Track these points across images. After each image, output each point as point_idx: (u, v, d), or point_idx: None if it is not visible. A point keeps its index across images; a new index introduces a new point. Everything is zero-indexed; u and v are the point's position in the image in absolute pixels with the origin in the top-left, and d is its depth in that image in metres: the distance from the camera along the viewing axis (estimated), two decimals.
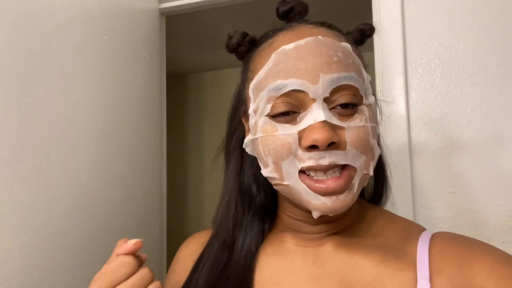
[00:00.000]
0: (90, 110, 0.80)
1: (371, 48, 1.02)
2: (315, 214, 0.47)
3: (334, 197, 0.45)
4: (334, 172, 0.46)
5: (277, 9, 0.56)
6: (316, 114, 0.45)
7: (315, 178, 0.46)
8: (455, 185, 0.94)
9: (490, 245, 0.50)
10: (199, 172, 2.73)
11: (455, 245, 0.49)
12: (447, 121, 0.95)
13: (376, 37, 1.01)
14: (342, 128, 0.46)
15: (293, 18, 0.55)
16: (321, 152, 0.45)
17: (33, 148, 0.65)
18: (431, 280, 0.46)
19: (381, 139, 0.59)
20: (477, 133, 0.93)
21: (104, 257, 0.71)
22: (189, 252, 0.62)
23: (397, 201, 0.97)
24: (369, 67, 0.98)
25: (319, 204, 0.46)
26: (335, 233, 0.54)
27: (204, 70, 2.73)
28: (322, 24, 0.53)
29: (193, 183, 2.74)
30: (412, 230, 0.53)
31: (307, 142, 0.45)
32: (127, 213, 0.94)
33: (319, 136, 0.44)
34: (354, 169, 0.46)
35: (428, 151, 0.96)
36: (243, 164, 0.58)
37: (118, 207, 0.89)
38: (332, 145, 0.45)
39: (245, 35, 0.56)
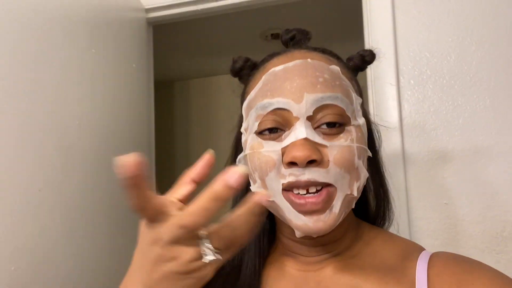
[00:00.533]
0: (79, 123, 0.78)
1: None
2: (298, 234, 0.47)
3: (315, 217, 0.46)
4: (316, 191, 0.46)
5: (281, 37, 0.58)
6: (298, 131, 0.46)
7: (295, 193, 0.46)
8: (449, 196, 0.94)
9: (488, 266, 0.50)
10: None
11: (453, 266, 0.49)
12: (440, 133, 0.96)
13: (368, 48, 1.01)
14: (325, 146, 0.46)
15: (295, 45, 0.56)
16: (300, 169, 0.45)
17: (22, 168, 0.62)
18: None
19: (382, 164, 0.59)
20: (469, 144, 0.93)
21: (96, 281, 0.68)
22: None
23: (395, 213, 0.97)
24: (361, 79, 0.98)
25: (300, 224, 0.46)
26: (334, 256, 0.53)
27: (191, 77, 2.71)
28: (316, 49, 0.54)
29: None
30: (411, 250, 0.53)
31: (287, 158, 0.46)
32: (117, 229, 0.91)
33: (298, 154, 0.45)
34: (335, 188, 0.46)
35: (422, 162, 0.96)
36: (248, 184, 0.58)
37: (108, 224, 0.86)
38: (313, 163, 0.45)
39: (247, 60, 0.58)
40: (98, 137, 0.84)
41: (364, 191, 0.59)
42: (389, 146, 0.97)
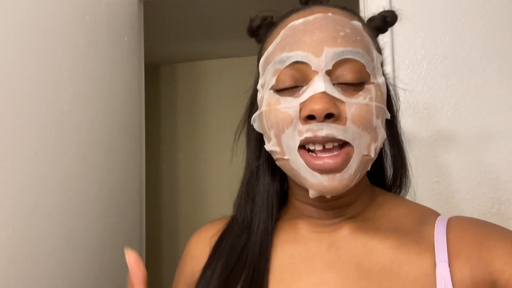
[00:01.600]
0: (73, 90, 0.76)
1: None
2: (311, 193, 0.47)
3: (330, 175, 0.45)
4: (333, 148, 0.45)
5: None
6: (317, 85, 0.45)
7: (313, 154, 0.45)
8: (440, 174, 0.96)
9: (507, 229, 0.50)
10: (173, 162, 2.67)
11: (473, 229, 0.49)
12: (433, 112, 0.97)
13: None
14: (343, 102, 0.45)
15: (315, 2, 0.54)
16: (319, 124, 0.44)
17: (17, 132, 0.60)
18: (449, 264, 0.46)
19: (401, 130, 0.58)
20: (461, 123, 0.95)
21: (86, 249, 0.67)
22: (201, 246, 0.60)
23: None
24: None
25: (315, 182, 0.45)
26: (348, 219, 0.53)
27: (178, 61, 2.67)
28: (336, 5, 0.52)
29: (167, 174, 2.68)
30: (428, 214, 0.53)
31: (305, 112, 0.45)
32: (107, 205, 0.90)
33: (316, 106, 0.44)
34: (352, 147, 0.46)
35: (414, 141, 0.98)
36: (262, 146, 0.56)
37: (102, 189, 0.85)
38: (331, 118, 0.44)
39: (265, 18, 0.56)
40: (91, 106, 0.82)
41: (381, 156, 0.58)
42: None
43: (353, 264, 0.49)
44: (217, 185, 2.48)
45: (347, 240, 0.51)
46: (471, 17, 0.96)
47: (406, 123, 0.98)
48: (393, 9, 0.99)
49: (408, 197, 0.96)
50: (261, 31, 0.56)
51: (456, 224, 0.50)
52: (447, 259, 0.46)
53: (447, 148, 0.96)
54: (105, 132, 0.90)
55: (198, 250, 0.59)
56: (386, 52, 0.99)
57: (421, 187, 0.97)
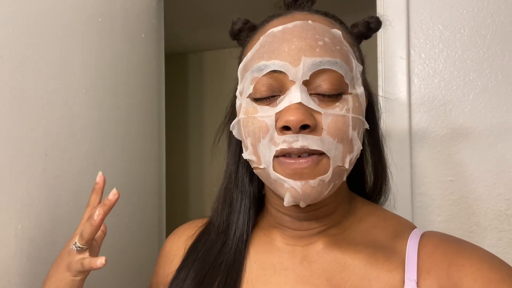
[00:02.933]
0: (86, 94, 0.79)
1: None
2: (287, 201, 0.47)
3: (304, 182, 0.45)
4: (308, 157, 0.45)
5: (284, 0, 0.56)
6: (293, 96, 0.45)
7: (286, 161, 0.45)
8: (454, 173, 0.93)
9: (479, 247, 0.49)
10: (200, 153, 2.73)
11: (444, 247, 0.49)
12: (449, 109, 0.94)
13: None
14: (319, 113, 0.45)
15: (298, 7, 0.54)
16: (294, 135, 0.44)
17: (28, 134, 0.65)
18: (418, 282, 0.46)
19: (382, 137, 0.58)
20: (478, 121, 0.92)
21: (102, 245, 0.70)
22: (176, 247, 0.62)
23: (396, 188, 0.96)
24: (371, 52, 0.96)
25: (289, 188, 0.46)
26: (324, 231, 0.53)
27: (204, 49, 2.69)
28: (318, 11, 0.52)
29: (194, 164, 2.74)
30: (403, 228, 0.53)
31: (280, 123, 0.45)
32: (124, 197, 0.93)
33: (292, 117, 0.43)
34: (328, 157, 0.45)
35: (428, 138, 0.95)
36: (241, 151, 0.57)
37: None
38: (306, 129, 0.44)
39: (246, 21, 0.56)
40: (105, 106, 0.85)
41: (361, 165, 0.59)
42: (396, 121, 0.96)
43: (324, 279, 0.49)
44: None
45: (320, 254, 0.51)
46: (493, 9, 0.91)
47: (421, 119, 0.95)
48: (409, 0, 0.96)
49: (420, 196, 0.95)
50: (242, 34, 0.56)
51: (428, 240, 0.50)
52: (416, 278, 0.46)
53: (463, 146, 0.92)
54: (121, 131, 0.93)
55: (173, 251, 0.61)
56: (401, 45, 0.96)
57: (434, 186, 0.94)
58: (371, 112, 0.55)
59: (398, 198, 0.97)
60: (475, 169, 0.91)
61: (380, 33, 0.99)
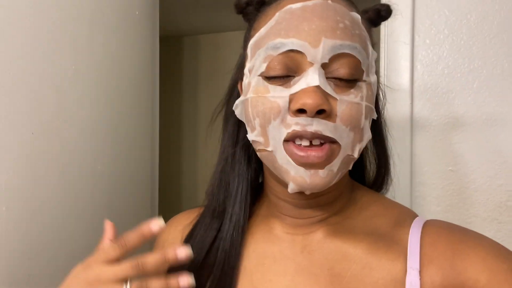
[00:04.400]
0: (75, 68, 0.75)
1: None
2: (291, 188, 0.45)
3: (313, 171, 0.44)
4: (320, 144, 0.44)
5: None
6: (311, 78, 0.43)
7: (298, 144, 0.44)
8: (455, 163, 0.91)
9: (483, 236, 0.48)
10: (194, 138, 2.70)
11: (448, 236, 0.47)
12: (452, 96, 0.91)
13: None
14: (335, 99, 0.43)
15: None
16: (309, 119, 0.43)
17: (14, 112, 0.61)
18: (421, 271, 0.45)
19: (386, 127, 0.57)
20: (481, 110, 0.89)
21: (89, 230, 0.68)
22: (172, 237, 0.59)
23: (395, 177, 0.95)
24: (374, 36, 0.92)
25: (297, 177, 0.44)
26: (325, 219, 0.51)
27: (200, 32, 2.64)
28: None
29: (188, 149, 2.71)
30: (405, 217, 0.52)
31: (296, 105, 0.43)
32: (116, 180, 0.91)
33: (309, 101, 0.42)
34: (339, 146, 0.44)
35: (430, 126, 0.93)
36: (239, 133, 0.55)
37: (104, 170, 0.86)
38: (321, 114, 0.43)
39: None
40: (96, 84, 0.81)
41: (363, 153, 0.57)
42: (397, 108, 0.93)
43: (325, 268, 0.48)
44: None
45: (321, 243, 0.50)
46: None
47: (423, 107, 0.93)
48: None
49: (420, 185, 0.93)
50: (249, 8, 0.53)
51: (431, 229, 0.49)
52: (418, 267, 0.45)
53: (464, 136, 0.90)
54: (113, 110, 0.89)
55: (170, 240, 0.59)
56: (405, 30, 0.93)
57: (433, 175, 0.93)
58: (376, 103, 0.54)
59: (397, 187, 0.95)
60: (476, 159, 0.90)
61: None
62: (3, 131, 0.59)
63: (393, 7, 0.54)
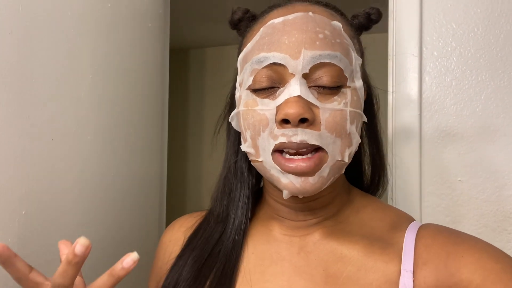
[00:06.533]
0: (93, 80, 0.77)
1: (385, 30, 0.98)
2: (285, 194, 0.47)
3: (303, 178, 0.45)
4: (306, 151, 0.45)
5: None
6: (292, 89, 0.45)
7: (286, 157, 0.46)
8: (464, 173, 0.92)
9: (477, 238, 0.49)
10: (200, 149, 2.71)
11: (442, 238, 0.48)
12: (460, 108, 0.93)
13: (391, 17, 0.97)
14: (317, 108, 0.45)
15: None
16: (293, 129, 0.44)
17: (33, 117, 0.62)
18: (414, 273, 0.46)
19: (380, 130, 0.59)
20: (489, 121, 0.90)
21: (103, 234, 0.68)
22: (175, 238, 0.61)
23: (405, 188, 0.95)
24: (383, 48, 0.94)
25: (287, 183, 0.46)
26: (322, 221, 0.53)
27: (207, 46, 2.68)
28: (319, 2, 0.52)
29: (193, 160, 2.72)
30: (401, 220, 0.53)
31: (279, 116, 0.45)
32: (127, 190, 0.92)
33: (291, 110, 0.43)
34: (326, 152, 0.46)
35: (439, 137, 0.94)
36: (240, 142, 0.57)
37: (119, 177, 0.87)
38: (305, 122, 0.44)
39: (246, 11, 0.56)
40: (111, 92, 0.83)
41: (359, 157, 0.59)
42: (406, 119, 0.94)
43: (321, 269, 0.49)
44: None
45: (317, 245, 0.51)
46: (507, 8, 0.90)
47: (432, 118, 0.94)
48: None
49: (429, 196, 0.94)
50: (242, 24, 0.56)
51: (426, 232, 0.50)
52: (412, 269, 0.46)
53: (473, 147, 0.91)
54: (126, 118, 0.91)
55: (173, 241, 0.61)
56: (413, 43, 0.95)
57: (443, 186, 0.93)
58: (370, 105, 0.56)
59: (406, 198, 0.96)
60: (484, 170, 0.90)
61: (391, 30, 0.97)
62: (25, 137, 0.60)
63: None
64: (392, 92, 0.96)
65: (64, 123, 0.68)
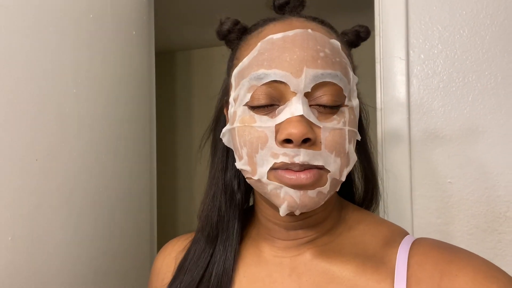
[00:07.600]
0: (76, 91, 0.75)
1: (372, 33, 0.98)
2: (282, 210, 0.46)
3: (302, 192, 0.44)
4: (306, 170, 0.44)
5: (273, 2, 0.54)
6: (294, 108, 0.44)
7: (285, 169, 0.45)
8: (454, 175, 0.93)
9: (473, 254, 0.48)
10: (189, 153, 2.69)
11: (436, 255, 0.47)
12: (448, 110, 0.93)
13: (377, 20, 0.97)
14: (318, 127, 0.45)
15: (291, 11, 0.53)
16: (295, 149, 0.44)
17: (18, 138, 0.61)
18: None
19: (371, 145, 0.58)
20: (477, 122, 0.91)
21: (92, 253, 0.67)
22: (167, 263, 0.60)
23: (395, 191, 0.96)
24: (370, 52, 0.94)
25: (287, 197, 0.45)
26: (313, 240, 0.52)
27: (193, 48, 2.65)
28: (315, 19, 0.51)
29: (183, 163, 2.70)
30: (394, 236, 0.52)
31: (282, 135, 0.44)
32: (117, 200, 0.90)
33: (294, 130, 0.43)
34: (327, 170, 0.45)
35: (428, 139, 0.94)
36: (228, 158, 0.56)
37: (106, 193, 0.85)
38: (307, 142, 0.44)
39: (236, 22, 0.54)
40: (96, 106, 0.81)
41: (351, 173, 0.58)
42: (395, 122, 0.95)
43: None
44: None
45: (309, 265, 0.51)
46: (492, 10, 0.90)
47: (420, 121, 0.94)
48: (408, 0, 0.95)
49: (420, 198, 0.94)
50: (231, 35, 0.54)
51: (419, 249, 0.49)
52: None
53: (462, 148, 0.92)
54: (113, 131, 0.89)
55: (164, 267, 0.60)
56: (400, 46, 0.95)
57: (433, 188, 0.93)
58: (360, 121, 0.55)
59: (397, 200, 0.96)
60: (474, 171, 0.91)
61: (378, 34, 0.97)
62: (7, 160, 0.58)
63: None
64: (381, 95, 0.96)
65: (48, 142, 0.66)
